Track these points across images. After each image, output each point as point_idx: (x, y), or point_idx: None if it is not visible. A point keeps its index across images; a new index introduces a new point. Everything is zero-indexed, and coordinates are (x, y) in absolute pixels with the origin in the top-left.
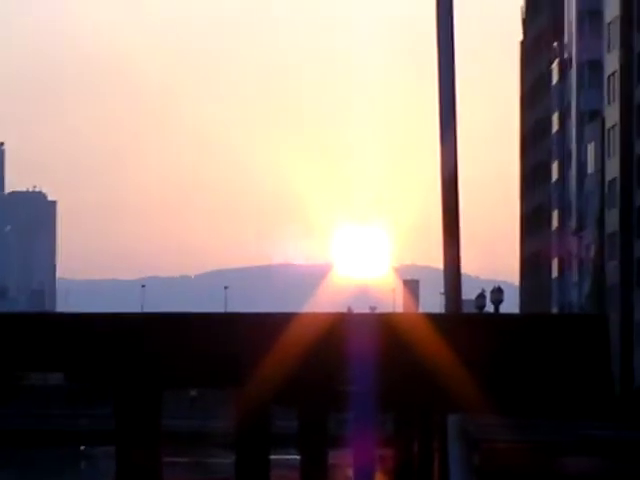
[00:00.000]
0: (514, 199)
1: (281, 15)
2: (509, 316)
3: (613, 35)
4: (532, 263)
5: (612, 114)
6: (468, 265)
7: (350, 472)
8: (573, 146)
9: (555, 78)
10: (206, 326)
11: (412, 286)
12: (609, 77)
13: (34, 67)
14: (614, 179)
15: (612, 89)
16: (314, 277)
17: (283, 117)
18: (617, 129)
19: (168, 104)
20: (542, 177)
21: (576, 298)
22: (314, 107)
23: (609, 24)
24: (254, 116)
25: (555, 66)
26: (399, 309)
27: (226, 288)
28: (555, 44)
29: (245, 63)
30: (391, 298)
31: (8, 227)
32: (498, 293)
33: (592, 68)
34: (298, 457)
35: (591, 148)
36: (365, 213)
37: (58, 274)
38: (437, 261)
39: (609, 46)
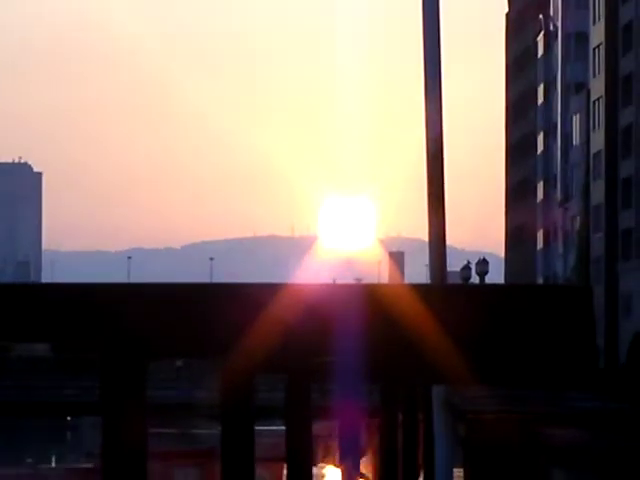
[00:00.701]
0: (499, 171)
1: None
2: (493, 287)
3: (598, 7)
4: (517, 235)
5: (597, 86)
6: (453, 237)
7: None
8: (558, 118)
9: (540, 50)
10: (191, 297)
11: (397, 258)
12: (595, 49)
13: (19, 37)
14: (599, 151)
15: (598, 61)
16: (299, 249)
17: (265, 88)
18: (602, 101)
19: (152, 79)
20: (527, 149)
21: (561, 270)
22: (297, 77)
23: None
24: (237, 88)
25: (540, 38)
26: (384, 281)
27: (212, 259)
28: (540, 16)
29: (225, 35)
30: (376, 270)
31: None
32: (483, 265)
33: (578, 40)
34: (283, 428)
35: (576, 120)
36: (351, 185)
37: (44, 246)
38: (423, 233)
39: (595, 18)
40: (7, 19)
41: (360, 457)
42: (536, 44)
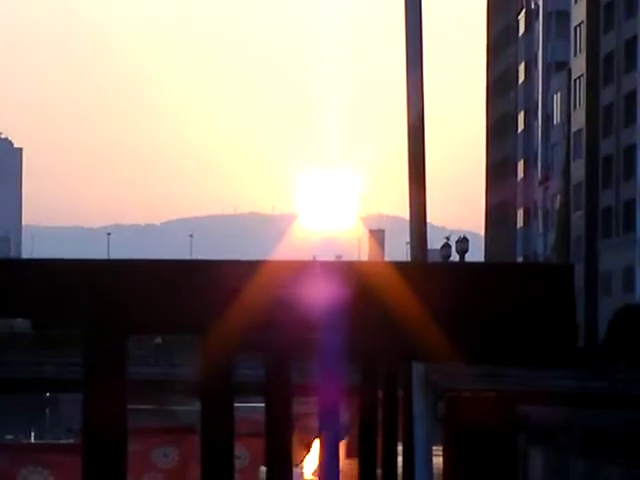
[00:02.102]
0: (480, 149)
1: None
2: (473, 264)
3: None
4: (498, 213)
5: (579, 65)
6: (434, 215)
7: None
8: (539, 97)
9: (522, 28)
10: (171, 273)
11: (378, 236)
12: (576, 28)
13: (2, 16)
14: (580, 130)
15: (579, 40)
16: (279, 226)
17: (246, 63)
18: (583, 80)
19: (134, 54)
20: (508, 127)
21: (541, 248)
22: (278, 53)
23: None
24: (218, 63)
25: (522, 16)
26: (364, 259)
27: (191, 236)
28: None
29: (206, 13)
30: (357, 248)
31: None
32: (463, 243)
33: (559, 18)
34: (263, 405)
35: (557, 99)
36: (331, 163)
37: (24, 222)
38: (403, 211)
39: None
40: None
41: (342, 436)
42: (517, 22)
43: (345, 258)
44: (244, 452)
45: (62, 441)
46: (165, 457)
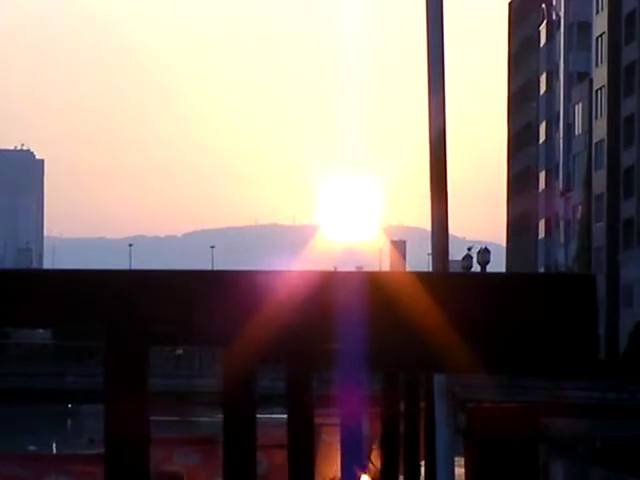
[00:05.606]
0: (501, 160)
1: None
2: (495, 275)
3: None
4: (519, 224)
5: (600, 75)
6: (455, 226)
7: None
8: (561, 107)
9: (543, 39)
10: (192, 283)
11: (399, 246)
12: (597, 38)
13: (23, 26)
14: (602, 140)
15: (600, 51)
16: (300, 237)
17: (268, 70)
18: (605, 90)
19: (154, 69)
20: (530, 138)
21: (562, 259)
22: (300, 61)
23: None
24: (239, 72)
25: (543, 27)
26: (386, 270)
27: (212, 247)
28: (543, 5)
29: (225, 21)
30: (378, 259)
31: None
32: (485, 254)
33: (580, 29)
34: (284, 416)
35: (579, 109)
36: (352, 174)
37: (46, 233)
38: (424, 222)
39: (597, 7)
40: (11, 9)
41: (365, 449)
42: (539, 33)
43: (367, 269)
44: (266, 462)
45: (84, 452)
46: (186, 457)
